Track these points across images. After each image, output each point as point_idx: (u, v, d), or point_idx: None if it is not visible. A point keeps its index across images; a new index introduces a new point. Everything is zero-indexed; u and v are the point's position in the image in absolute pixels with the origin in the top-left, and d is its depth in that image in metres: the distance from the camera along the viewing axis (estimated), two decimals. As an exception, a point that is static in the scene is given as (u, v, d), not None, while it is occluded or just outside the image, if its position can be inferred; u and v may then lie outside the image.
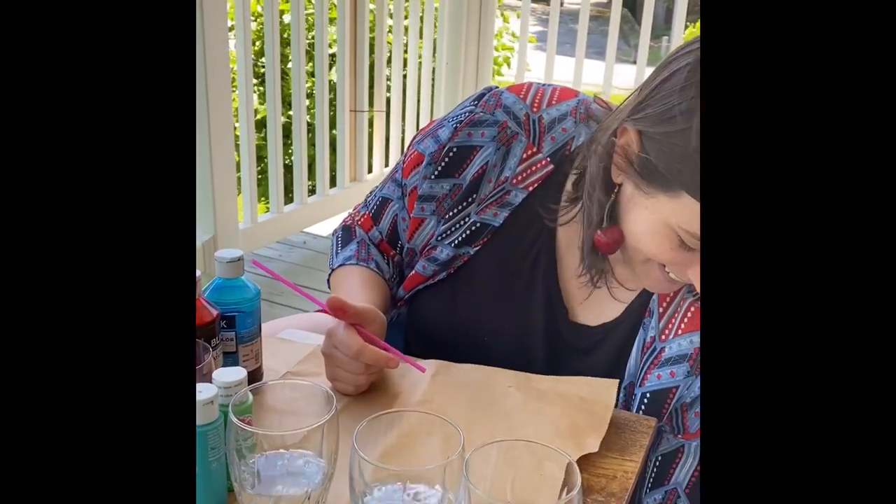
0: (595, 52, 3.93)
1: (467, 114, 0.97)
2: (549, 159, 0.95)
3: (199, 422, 0.67)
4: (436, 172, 0.97)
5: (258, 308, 0.87)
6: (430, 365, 0.93)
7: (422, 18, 3.30)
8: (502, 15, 4.94)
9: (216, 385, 0.69)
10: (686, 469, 0.86)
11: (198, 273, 0.80)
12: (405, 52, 3.30)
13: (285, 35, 2.85)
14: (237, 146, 2.63)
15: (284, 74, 2.85)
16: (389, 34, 3.21)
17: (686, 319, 0.88)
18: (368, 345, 0.85)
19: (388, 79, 3.29)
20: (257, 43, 3.42)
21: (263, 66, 2.65)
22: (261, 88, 3.27)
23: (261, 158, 3.11)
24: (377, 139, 3.30)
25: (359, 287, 0.98)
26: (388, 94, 3.30)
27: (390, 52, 3.27)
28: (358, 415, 0.83)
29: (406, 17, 3.27)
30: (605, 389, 0.87)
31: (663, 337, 0.89)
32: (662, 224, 0.80)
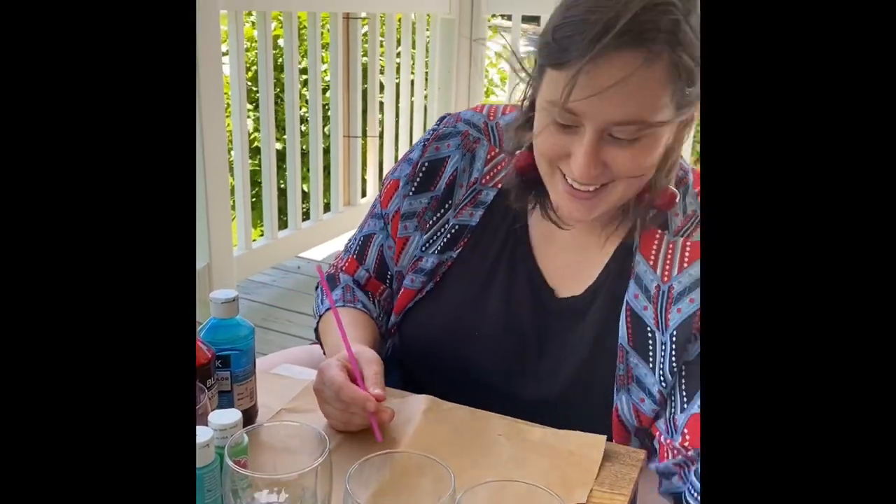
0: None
1: (432, 132, 1.05)
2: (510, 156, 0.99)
3: (196, 464, 0.69)
4: (413, 189, 1.03)
5: (252, 346, 0.89)
6: (421, 401, 0.94)
7: (414, 44, 3.34)
8: (499, 34, 4.98)
9: (212, 428, 0.71)
10: None
11: (193, 314, 0.82)
12: (397, 77, 3.33)
13: (279, 61, 2.87)
14: (231, 171, 2.65)
15: (278, 100, 2.87)
16: (382, 60, 3.24)
17: (686, 255, 0.91)
18: (348, 384, 0.85)
19: (381, 104, 3.32)
20: (251, 68, 3.45)
21: (258, 92, 2.67)
22: (255, 114, 3.30)
23: (255, 183, 3.13)
24: (370, 164, 3.33)
25: (350, 327, 0.99)
26: (380, 118, 3.34)
27: (382, 77, 3.29)
28: (351, 452, 0.84)
29: (398, 45, 3.31)
30: (593, 444, 0.88)
31: (666, 278, 0.91)
32: (540, 113, 0.85)
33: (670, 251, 0.91)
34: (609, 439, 0.89)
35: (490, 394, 0.96)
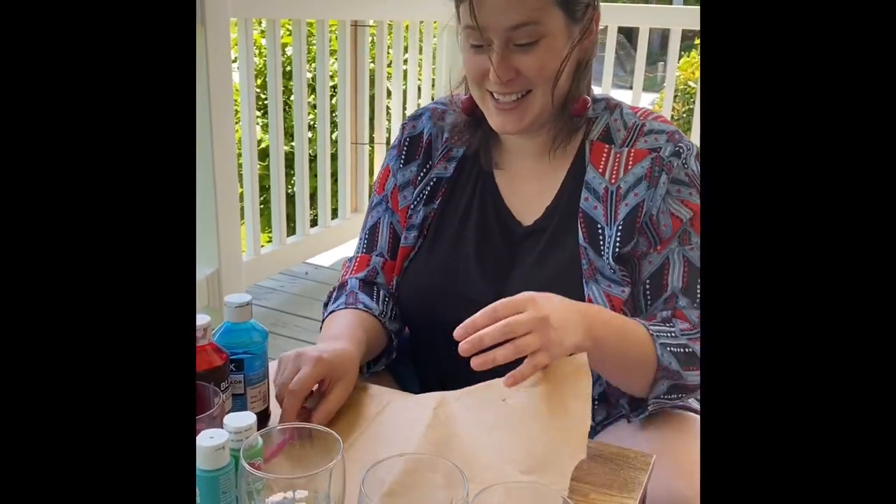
0: (593, 78, 3.97)
1: (408, 118, 1.20)
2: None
3: (210, 466, 0.70)
4: (402, 161, 1.17)
5: (265, 350, 0.90)
6: (431, 398, 0.95)
7: (420, 51, 3.35)
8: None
9: (227, 430, 0.72)
10: (676, 274, 1.03)
11: (207, 319, 0.83)
12: (405, 84, 3.35)
13: (287, 68, 2.89)
14: (240, 177, 2.67)
15: (287, 106, 2.89)
16: (389, 67, 3.25)
17: (630, 159, 1.04)
18: (295, 385, 0.88)
19: (388, 111, 3.33)
20: (261, 75, 3.47)
21: (266, 98, 2.69)
22: (263, 120, 3.32)
23: (263, 189, 3.14)
24: (378, 171, 3.33)
25: (344, 328, 1.04)
26: (388, 125, 3.35)
27: (389, 84, 3.31)
28: (366, 449, 0.85)
29: (405, 52, 3.32)
30: (577, 369, 0.88)
31: (614, 180, 1.04)
32: (462, 44, 1.02)
33: (617, 159, 1.05)
34: None
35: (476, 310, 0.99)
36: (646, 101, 4.58)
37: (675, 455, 0.93)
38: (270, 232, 2.95)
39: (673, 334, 0.99)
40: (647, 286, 1.04)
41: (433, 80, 3.46)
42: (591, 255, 1.03)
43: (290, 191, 3.11)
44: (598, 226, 1.04)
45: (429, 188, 1.14)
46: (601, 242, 1.04)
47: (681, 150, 1.03)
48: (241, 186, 2.65)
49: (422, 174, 1.15)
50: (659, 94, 4.63)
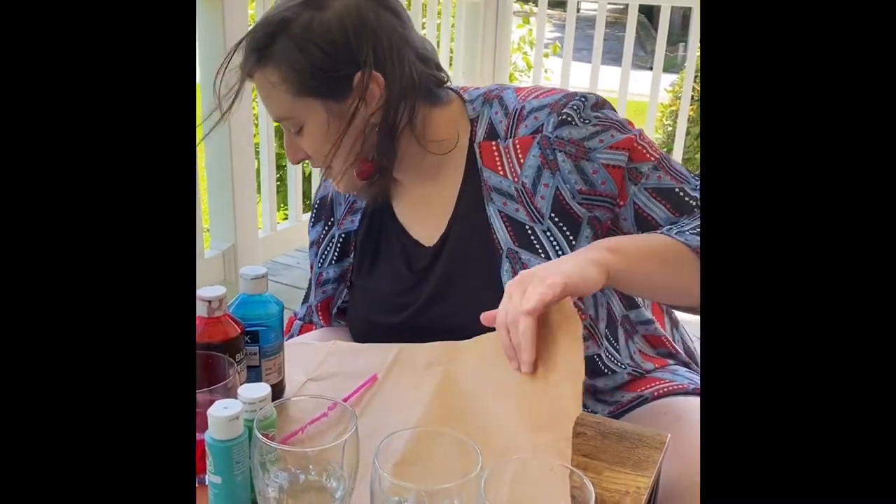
0: (611, 58, 3.94)
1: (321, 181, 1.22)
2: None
3: (224, 437, 0.70)
4: (311, 223, 1.21)
5: (281, 323, 0.90)
6: (440, 352, 0.95)
7: (438, 27, 3.32)
8: (524, 19, 4.96)
9: (241, 401, 0.72)
10: (656, 209, 1.00)
11: (222, 290, 0.83)
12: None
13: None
14: (257, 154, 2.66)
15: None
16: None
17: (517, 152, 1.01)
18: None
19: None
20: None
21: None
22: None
23: (280, 166, 3.14)
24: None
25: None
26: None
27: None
28: (377, 413, 0.86)
29: (423, 28, 3.30)
30: (570, 324, 0.86)
31: (516, 178, 1.01)
32: None
33: (508, 154, 1.02)
34: None
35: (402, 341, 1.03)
36: (666, 81, 4.52)
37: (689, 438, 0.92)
38: (287, 210, 2.95)
39: (681, 225, 0.97)
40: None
41: (451, 57, 3.43)
42: (523, 257, 1.00)
43: (307, 170, 3.11)
44: (527, 227, 1.01)
45: (338, 247, 1.16)
46: (534, 242, 1.00)
47: (567, 116, 0.98)
48: (258, 161, 2.65)
49: (323, 235, 1.18)
50: (679, 74, 4.58)
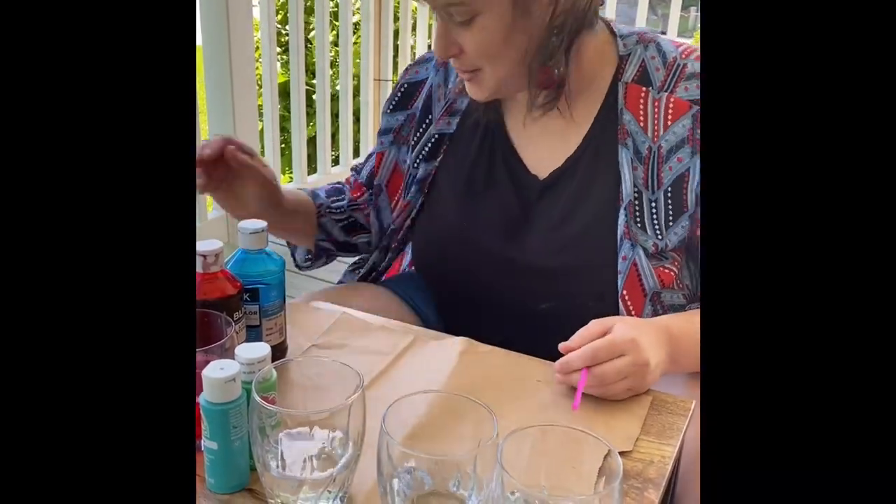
0: (622, 21, 3.83)
1: (413, 62, 1.13)
2: None
3: (219, 399, 0.65)
4: (391, 107, 1.12)
5: (283, 280, 0.84)
6: (457, 343, 0.91)
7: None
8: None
9: (238, 362, 0.67)
10: None
11: (219, 244, 0.78)
12: (430, 19, 3.24)
13: (309, 3, 2.80)
14: (261, 115, 2.60)
15: (308, 43, 2.80)
16: (413, 1, 3.15)
17: (669, 113, 0.94)
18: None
19: (413, 47, 3.23)
20: (281, 12, 3.37)
21: (287, 35, 2.60)
22: (284, 57, 3.23)
23: (284, 129, 3.08)
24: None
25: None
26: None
27: (415, 19, 3.21)
28: (385, 391, 0.81)
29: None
30: (640, 396, 0.84)
31: (655, 138, 0.94)
32: None
33: (656, 109, 0.94)
34: (615, 308, 0.93)
35: (491, 270, 1.00)
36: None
37: None
38: (291, 172, 2.89)
39: None
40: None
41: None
42: (625, 219, 0.94)
43: (311, 130, 3.05)
44: (636, 190, 0.94)
45: (429, 146, 1.07)
46: (637, 209, 0.94)
47: None
48: (261, 124, 2.59)
49: (419, 132, 1.08)
50: (693, 38, 4.48)
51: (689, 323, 0.89)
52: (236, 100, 2.30)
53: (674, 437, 0.78)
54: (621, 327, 0.81)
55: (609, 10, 3.31)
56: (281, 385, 0.68)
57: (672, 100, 0.94)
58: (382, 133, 1.12)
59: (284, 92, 2.83)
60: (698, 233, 0.95)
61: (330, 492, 0.64)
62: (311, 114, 2.94)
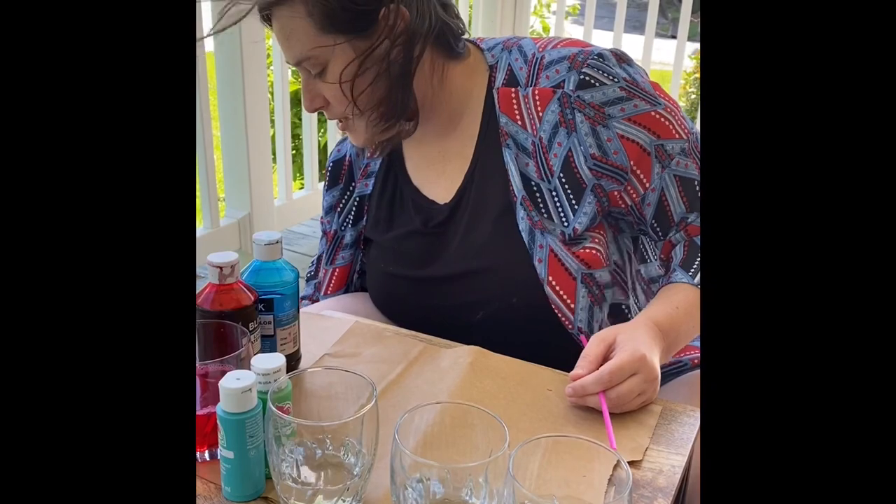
0: (633, 25, 3.84)
1: (337, 143, 1.18)
2: None
3: (237, 409, 0.66)
4: (326, 187, 1.17)
5: (297, 291, 0.86)
6: (467, 351, 0.92)
7: (458, -9, 3.25)
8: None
9: (255, 372, 0.68)
10: (674, 199, 0.97)
11: (234, 256, 0.79)
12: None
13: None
14: (272, 122, 2.62)
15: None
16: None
17: (537, 103, 0.97)
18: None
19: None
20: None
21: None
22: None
23: (295, 136, 3.10)
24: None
25: None
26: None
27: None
28: (397, 400, 0.82)
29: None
30: (649, 406, 0.84)
31: (534, 131, 0.97)
32: None
33: (527, 104, 0.98)
34: (546, 299, 0.95)
35: (426, 296, 1.05)
36: (690, 49, 4.42)
37: None
38: (302, 179, 2.91)
39: (695, 245, 0.97)
40: (655, 224, 0.99)
41: (469, 20, 3.36)
42: (532, 213, 0.97)
43: (321, 136, 3.07)
44: (533, 184, 0.97)
45: (353, 210, 1.13)
46: (539, 200, 0.97)
47: (588, 76, 0.93)
48: (273, 129, 2.61)
49: (344, 199, 1.14)
50: (703, 42, 4.46)
51: (671, 307, 0.92)
52: (248, 107, 2.31)
53: (683, 446, 0.79)
54: (624, 341, 0.83)
55: (619, 15, 3.32)
56: (296, 395, 0.70)
57: (537, 91, 0.97)
58: (326, 213, 1.17)
59: (296, 99, 2.84)
60: (612, 201, 0.97)
61: (344, 500, 0.65)
62: (322, 121, 2.95)
